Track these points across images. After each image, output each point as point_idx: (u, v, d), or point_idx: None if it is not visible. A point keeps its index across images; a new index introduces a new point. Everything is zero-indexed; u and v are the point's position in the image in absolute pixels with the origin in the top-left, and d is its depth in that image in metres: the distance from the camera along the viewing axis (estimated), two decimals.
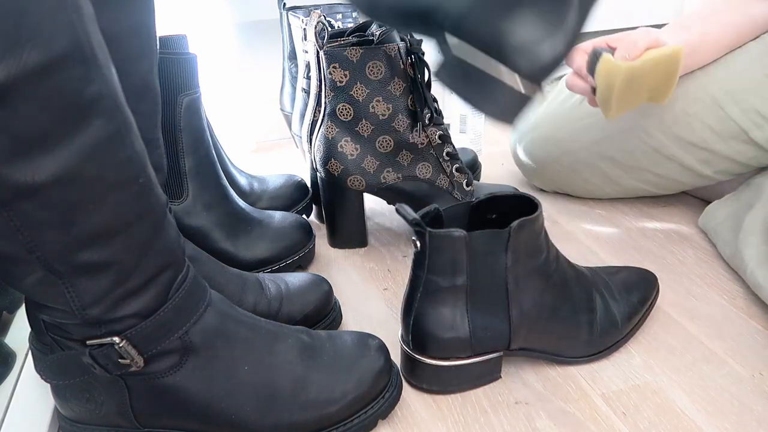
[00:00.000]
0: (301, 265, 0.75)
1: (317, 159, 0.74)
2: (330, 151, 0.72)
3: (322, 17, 0.69)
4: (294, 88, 1.00)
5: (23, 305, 0.61)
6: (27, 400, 0.53)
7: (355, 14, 1.00)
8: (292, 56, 0.99)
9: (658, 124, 0.77)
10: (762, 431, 0.49)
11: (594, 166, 0.84)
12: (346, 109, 0.70)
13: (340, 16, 0.97)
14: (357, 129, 0.70)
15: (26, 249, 0.37)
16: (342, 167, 0.72)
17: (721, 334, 0.60)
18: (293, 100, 1.01)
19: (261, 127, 1.19)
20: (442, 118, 0.73)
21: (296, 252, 0.74)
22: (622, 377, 0.55)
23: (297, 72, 0.97)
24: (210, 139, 0.71)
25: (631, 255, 0.75)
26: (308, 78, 0.84)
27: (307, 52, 0.83)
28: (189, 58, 0.66)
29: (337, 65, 0.68)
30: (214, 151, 0.71)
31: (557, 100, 0.86)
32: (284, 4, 0.98)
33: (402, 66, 0.68)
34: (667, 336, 0.60)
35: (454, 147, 0.74)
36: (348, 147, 0.71)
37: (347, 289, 0.71)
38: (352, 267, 0.76)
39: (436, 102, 0.73)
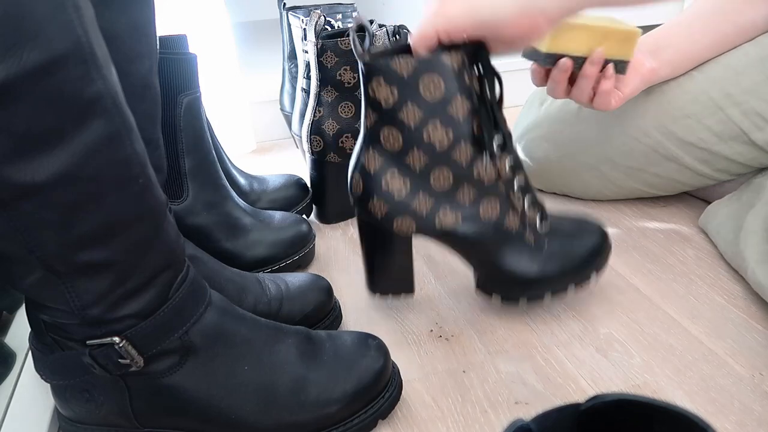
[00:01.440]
0: (301, 265, 0.75)
1: (355, 196, 0.58)
2: (372, 188, 0.57)
3: (360, 20, 0.60)
4: (294, 88, 1.00)
5: (23, 305, 0.61)
6: (27, 400, 0.53)
7: (355, 14, 1.00)
8: (292, 56, 1.00)
9: (657, 125, 0.77)
10: (762, 431, 0.49)
11: (594, 168, 0.84)
12: (392, 135, 0.55)
13: (340, 16, 0.97)
14: (406, 161, 0.56)
15: (26, 249, 0.37)
16: (387, 208, 0.57)
17: (721, 334, 0.60)
18: (293, 100, 1.01)
19: (261, 127, 1.19)
20: (512, 141, 0.59)
21: (296, 252, 0.74)
22: (622, 377, 0.55)
23: (297, 72, 0.97)
24: (210, 139, 0.71)
25: (631, 255, 0.75)
26: (308, 78, 0.84)
27: (307, 52, 0.83)
28: (189, 58, 0.66)
29: (381, 80, 0.53)
30: (214, 151, 0.71)
31: (557, 103, 0.86)
32: (284, 4, 0.98)
33: (467, 81, 0.53)
34: (667, 336, 0.60)
35: (526, 176, 0.59)
36: (395, 183, 0.56)
37: (347, 289, 0.71)
38: (353, 267, 0.76)
39: (505, 123, 0.57)
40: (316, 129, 0.80)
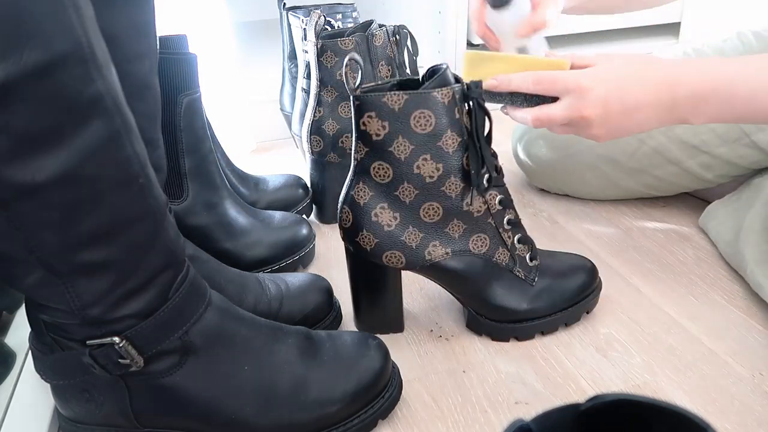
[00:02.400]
0: (301, 265, 0.75)
1: (344, 229, 0.59)
2: (361, 221, 0.57)
3: (355, 57, 0.57)
4: (294, 88, 1.00)
5: (23, 305, 0.61)
6: (27, 400, 0.53)
7: (355, 14, 1.00)
8: (292, 56, 1.00)
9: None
10: (762, 431, 0.49)
11: (595, 168, 0.84)
12: (383, 168, 0.55)
13: (340, 16, 0.97)
14: (396, 194, 0.56)
15: (26, 249, 0.37)
16: (376, 241, 0.57)
17: (721, 334, 0.60)
18: (293, 100, 1.01)
19: (261, 127, 1.19)
20: (503, 177, 0.59)
21: (296, 252, 0.74)
22: (622, 377, 0.55)
23: (297, 72, 0.97)
24: (210, 139, 0.71)
25: (631, 255, 0.75)
26: (308, 78, 0.84)
27: (307, 52, 0.83)
28: (189, 58, 0.66)
29: (373, 114, 0.53)
30: (213, 152, 0.71)
31: None
32: (284, 4, 0.98)
33: (457, 116, 0.53)
34: (667, 336, 0.60)
35: (516, 212, 0.60)
36: (384, 216, 0.56)
37: (347, 289, 0.71)
38: None
39: (496, 157, 0.58)
40: (316, 129, 0.80)
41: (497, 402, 0.53)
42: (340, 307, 0.65)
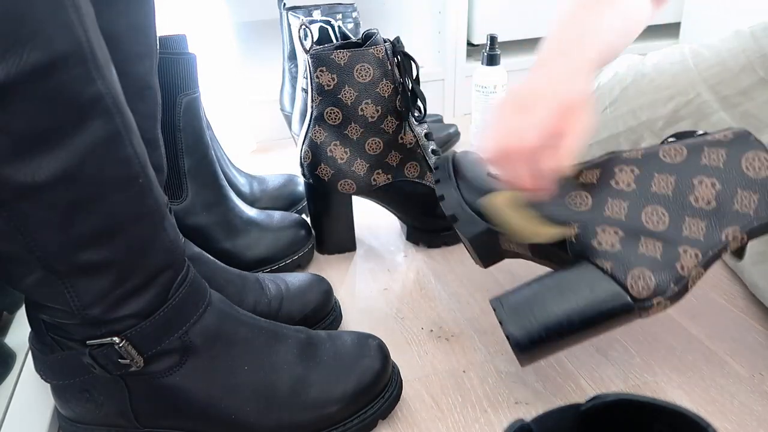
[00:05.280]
0: (301, 265, 0.75)
1: (305, 165, 0.72)
2: (319, 157, 0.70)
3: (305, 21, 0.67)
4: (294, 88, 1.00)
5: (23, 305, 0.61)
6: (27, 400, 0.53)
7: (355, 14, 1.00)
8: (292, 56, 1.00)
9: (649, 125, 0.77)
10: (762, 431, 0.49)
11: None
12: (334, 113, 0.68)
13: (340, 16, 0.97)
14: (346, 132, 0.69)
15: (26, 249, 0.37)
16: (332, 172, 0.70)
17: (721, 334, 0.60)
18: (293, 100, 1.01)
19: (261, 127, 1.19)
20: (426, 116, 0.71)
21: (296, 252, 0.74)
22: (622, 377, 0.55)
23: (297, 72, 0.97)
24: (209, 139, 0.71)
25: None
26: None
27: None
28: (189, 58, 0.66)
29: (324, 69, 0.66)
30: (213, 151, 0.71)
31: None
32: (284, 4, 0.98)
33: (389, 67, 0.67)
34: (667, 336, 0.60)
35: (435, 144, 0.75)
36: (337, 151, 0.69)
37: (347, 289, 0.71)
38: (352, 267, 0.76)
39: (424, 101, 0.70)
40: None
41: (497, 402, 0.53)
42: (340, 307, 0.65)
